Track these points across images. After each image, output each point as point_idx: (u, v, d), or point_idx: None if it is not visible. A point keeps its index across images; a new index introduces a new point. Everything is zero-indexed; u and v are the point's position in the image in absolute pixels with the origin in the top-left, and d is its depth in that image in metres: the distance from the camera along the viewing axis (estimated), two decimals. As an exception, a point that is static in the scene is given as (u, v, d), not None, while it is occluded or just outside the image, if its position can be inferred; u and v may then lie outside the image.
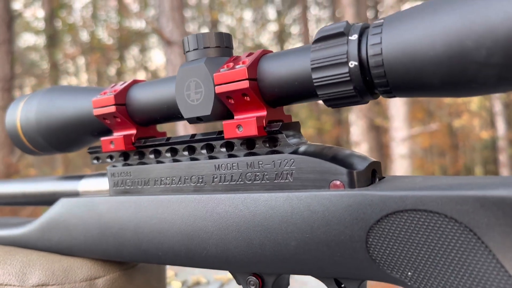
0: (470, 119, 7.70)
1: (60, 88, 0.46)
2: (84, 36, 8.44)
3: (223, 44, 0.36)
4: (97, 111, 0.40)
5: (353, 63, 0.28)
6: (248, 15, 11.93)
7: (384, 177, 0.32)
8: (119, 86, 0.40)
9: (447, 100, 8.80)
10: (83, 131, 0.43)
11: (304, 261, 0.31)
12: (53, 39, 7.32)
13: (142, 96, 0.39)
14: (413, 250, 0.27)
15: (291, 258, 0.31)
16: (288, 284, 0.37)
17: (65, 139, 0.45)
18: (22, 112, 0.46)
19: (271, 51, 0.35)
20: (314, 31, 10.86)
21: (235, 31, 10.72)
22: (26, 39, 10.19)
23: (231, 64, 0.33)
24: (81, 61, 9.03)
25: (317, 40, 0.29)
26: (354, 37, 0.28)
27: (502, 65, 0.23)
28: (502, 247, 0.25)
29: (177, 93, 0.36)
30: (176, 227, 0.36)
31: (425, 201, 0.26)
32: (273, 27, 11.43)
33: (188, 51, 0.36)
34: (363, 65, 0.28)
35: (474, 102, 9.72)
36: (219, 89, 0.33)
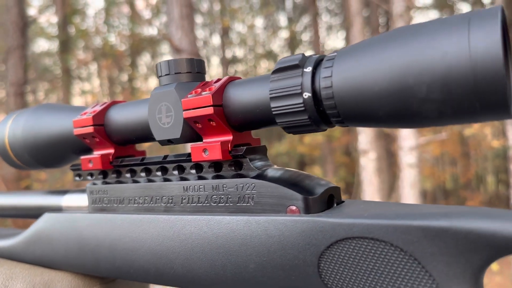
0: (481, 127, 7.61)
1: (45, 106, 0.47)
2: (97, 42, 8.54)
3: (194, 70, 0.37)
4: (77, 131, 0.41)
5: (307, 94, 0.29)
6: (259, 22, 11.98)
7: (343, 201, 0.33)
8: (99, 107, 0.42)
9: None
10: (65, 149, 0.45)
11: (262, 283, 0.32)
12: (65, 45, 7.43)
13: (119, 118, 0.40)
14: (361, 276, 0.28)
15: (250, 280, 0.32)
16: None
17: (50, 156, 0.46)
18: (10, 129, 0.48)
19: (239, 78, 0.36)
20: (325, 38, 10.87)
21: (246, 38, 10.78)
22: (40, 44, 10.35)
23: (199, 90, 0.34)
24: (94, 67, 9.14)
25: (275, 71, 0.31)
26: (309, 69, 0.29)
27: (441, 101, 0.24)
28: (445, 276, 0.26)
29: (149, 116, 0.37)
30: (146, 246, 0.37)
31: (372, 229, 0.27)
32: (284, 34, 11.47)
33: (161, 75, 0.37)
34: (316, 96, 0.29)
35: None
36: (187, 114, 0.34)
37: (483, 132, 7.98)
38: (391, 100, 0.26)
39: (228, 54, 10.92)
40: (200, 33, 11.06)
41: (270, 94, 0.30)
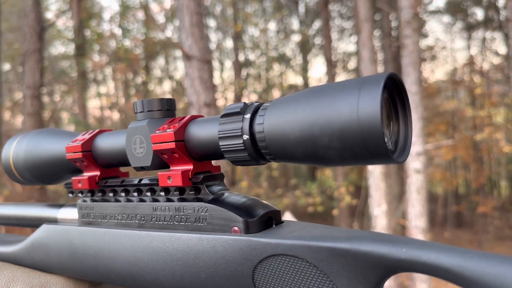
0: (494, 132, 7.56)
1: (44, 132, 0.55)
2: (112, 46, 8.71)
3: (164, 108, 0.44)
4: (69, 156, 0.49)
5: (246, 137, 0.35)
6: (272, 25, 12.05)
7: (282, 222, 0.40)
8: (87, 135, 0.49)
9: (470, 113, 8.68)
10: (60, 170, 0.52)
11: None
12: (81, 49, 7.59)
13: (103, 145, 0.47)
14: (285, 286, 0.35)
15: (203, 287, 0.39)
16: None
17: (47, 175, 0.54)
18: (14, 151, 0.55)
19: (201, 116, 0.42)
20: (336, 42, 10.87)
21: (259, 42, 10.86)
22: (58, 47, 10.56)
23: (165, 127, 0.41)
24: (109, 70, 9.32)
25: (223, 116, 0.37)
26: (248, 116, 0.36)
27: (340, 148, 0.31)
28: None
29: (126, 146, 0.44)
30: (123, 256, 0.44)
31: (292, 248, 0.34)
32: (296, 37, 11.52)
33: (136, 112, 0.44)
34: (253, 138, 0.35)
35: (500, 114, 9.53)
36: (155, 146, 0.41)
37: (495, 137, 7.92)
38: (303, 146, 0.32)
39: (241, 57, 11.01)
40: (213, 37, 11.15)
41: (218, 134, 0.37)
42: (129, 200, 0.46)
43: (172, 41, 4.44)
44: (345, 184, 8.45)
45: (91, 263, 0.47)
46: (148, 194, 0.45)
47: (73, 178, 0.50)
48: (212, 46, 11.61)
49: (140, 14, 8.99)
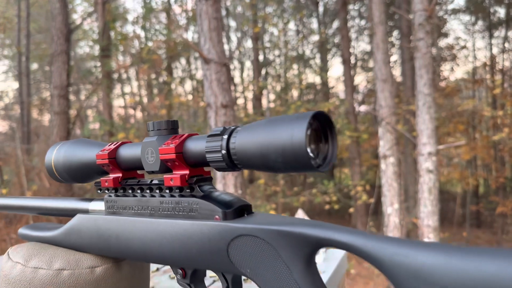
0: (510, 132, 7.50)
1: (80, 141, 0.70)
2: (135, 47, 8.95)
3: (169, 127, 0.59)
4: (98, 161, 0.64)
5: (223, 151, 0.50)
6: (291, 25, 12.15)
7: (253, 213, 0.54)
8: (113, 146, 0.64)
9: (488, 112, 8.61)
10: (91, 172, 0.67)
11: (202, 262, 0.53)
12: (106, 50, 7.85)
13: (124, 154, 0.62)
14: (249, 257, 0.49)
15: (194, 259, 0.54)
16: (204, 275, 0.60)
17: (80, 176, 0.69)
18: (55, 155, 0.71)
19: (196, 134, 0.57)
20: (355, 41, 10.89)
21: (278, 42, 10.98)
22: (84, 48, 10.88)
23: (169, 142, 0.56)
24: (132, 70, 9.58)
25: (209, 136, 0.52)
26: (225, 137, 0.50)
27: (283, 162, 0.45)
28: (290, 259, 0.47)
29: (141, 155, 0.59)
30: (137, 238, 0.59)
31: (253, 230, 0.48)
32: (315, 37, 11.61)
33: (149, 130, 0.59)
34: (229, 153, 0.50)
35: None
36: (162, 157, 0.55)
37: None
38: (260, 159, 0.46)
39: (261, 57, 11.14)
40: (234, 37, 11.29)
41: (205, 149, 0.51)
42: (143, 196, 0.61)
43: (191, 44, 4.60)
44: (362, 183, 8.52)
45: (114, 243, 0.62)
46: (157, 191, 0.59)
47: (101, 178, 0.65)
48: (233, 45, 11.77)
49: (163, 16, 9.23)
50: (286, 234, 0.46)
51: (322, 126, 0.47)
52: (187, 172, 0.56)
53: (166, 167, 0.57)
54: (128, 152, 0.62)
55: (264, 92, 9.70)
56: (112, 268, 0.66)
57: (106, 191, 0.66)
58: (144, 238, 0.59)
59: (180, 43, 8.52)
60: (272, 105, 10.86)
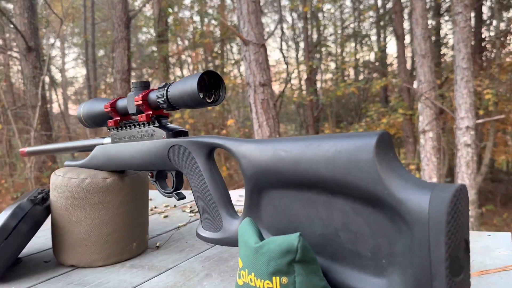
0: None
1: (94, 99, 1.06)
2: (190, 31, 9.42)
3: (142, 86, 0.91)
4: (105, 110, 0.99)
5: (164, 97, 0.82)
6: (347, 1, 12.07)
7: (187, 135, 0.86)
8: (113, 100, 0.99)
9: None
10: (102, 117, 1.02)
11: (157, 164, 0.86)
12: (162, 36, 8.38)
13: (119, 104, 0.96)
14: (178, 157, 0.82)
15: (153, 163, 0.87)
16: (166, 176, 0.93)
17: (97, 120, 1.04)
18: (80, 109, 1.07)
19: (156, 89, 0.89)
20: (407, 20, 10.67)
21: (331, 20, 11.01)
22: (144, 34, 11.54)
23: (140, 94, 0.89)
24: (187, 54, 10.11)
25: (158, 88, 0.84)
26: (165, 88, 0.82)
27: (190, 101, 0.76)
28: (197, 156, 0.79)
29: (127, 103, 0.92)
30: (125, 155, 0.94)
31: (179, 141, 0.80)
32: (371, 14, 11.48)
33: (131, 88, 0.92)
34: (167, 97, 0.81)
35: None
36: (136, 103, 0.88)
37: None
38: (181, 101, 0.78)
39: (314, 36, 11.24)
40: (289, 17, 11.43)
41: (156, 96, 0.84)
42: (129, 129, 0.95)
43: (230, 27, 4.93)
44: (415, 162, 8.49)
45: (114, 160, 0.97)
46: (137, 126, 0.93)
47: (108, 121, 1.00)
48: (286, 24, 11.92)
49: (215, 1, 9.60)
50: (195, 142, 0.79)
51: (214, 79, 0.78)
52: (150, 112, 0.89)
53: (139, 110, 0.91)
54: (121, 103, 0.97)
55: (318, 71, 9.83)
56: (117, 179, 1.01)
57: (112, 130, 1.02)
58: (128, 154, 0.93)
59: (231, 27, 8.85)
60: (324, 85, 10.98)
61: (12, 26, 7.45)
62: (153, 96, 0.85)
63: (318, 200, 0.57)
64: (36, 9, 7.95)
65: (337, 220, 0.56)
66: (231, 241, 0.75)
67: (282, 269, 0.53)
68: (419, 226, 0.44)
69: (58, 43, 13.51)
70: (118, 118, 0.97)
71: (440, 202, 0.43)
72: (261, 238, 0.59)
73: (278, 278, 0.53)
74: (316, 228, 0.59)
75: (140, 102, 0.86)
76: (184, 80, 0.76)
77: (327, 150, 0.54)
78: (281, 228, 0.65)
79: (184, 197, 0.90)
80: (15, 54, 9.21)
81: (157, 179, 0.93)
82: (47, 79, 8.78)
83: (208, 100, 0.77)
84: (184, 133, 0.87)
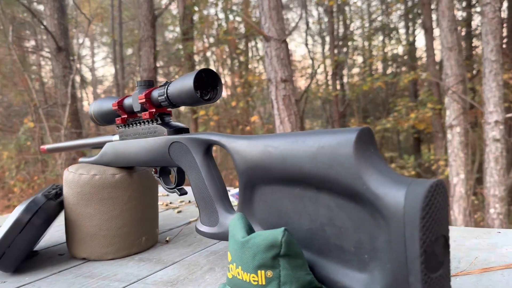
0: None
1: (104, 98, 1.09)
2: (214, 29, 9.48)
3: (146, 84, 0.93)
4: (113, 108, 1.01)
5: (165, 95, 0.84)
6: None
7: (187, 132, 0.88)
8: (120, 99, 1.01)
9: None
10: (111, 115, 1.05)
11: (159, 161, 0.89)
12: (186, 34, 8.46)
13: (125, 102, 0.99)
14: (178, 153, 0.83)
15: (156, 160, 0.89)
16: (169, 172, 0.95)
17: (107, 118, 1.07)
18: (92, 107, 1.11)
19: (157, 87, 0.91)
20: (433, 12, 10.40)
21: (359, 13, 10.86)
22: (170, 32, 11.68)
23: (144, 92, 0.91)
24: (211, 51, 10.17)
25: (159, 87, 0.86)
26: (166, 86, 0.84)
27: (184, 97, 0.78)
28: (195, 152, 0.80)
29: (132, 102, 0.95)
30: (131, 151, 0.96)
31: (178, 139, 0.82)
32: (399, 6, 11.27)
33: (136, 86, 0.95)
34: (167, 95, 0.83)
35: None
36: (140, 101, 0.91)
37: None
38: (179, 98, 0.79)
39: (340, 30, 11.12)
40: (314, 11, 11.34)
41: (158, 95, 0.86)
42: (135, 126, 0.98)
43: (252, 23, 4.93)
44: (444, 158, 8.31)
45: (121, 157, 1.00)
46: (142, 123, 0.96)
47: (117, 119, 1.03)
48: (311, 19, 11.83)
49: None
50: (193, 139, 0.80)
51: (212, 77, 0.79)
52: (153, 110, 0.91)
53: (143, 108, 0.93)
54: (127, 101, 0.99)
55: (345, 65, 9.73)
56: (126, 175, 1.04)
57: (120, 127, 1.05)
58: (134, 151, 0.96)
59: (254, 24, 8.86)
60: (351, 80, 10.86)
61: (43, 27, 7.68)
62: (155, 94, 0.87)
63: (306, 195, 0.58)
64: (65, 10, 8.16)
65: (323, 215, 0.56)
66: (227, 236, 0.76)
67: (267, 263, 0.54)
68: (395, 221, 0.45)
69: (88, 43, 13.86)
70: (126, 116, 0.99)
71: (415, 197, 0.43)
72: (250, 232, 0.60)
73: (263, 271, 0.54)
74: (303, 223, 0.60)
75: (144, 100, 0.88)
76: (182, 78, 0.78)
77: (311, 146, 0.54)
78: (272, 223, 0.66)
79: (186, 193, 0.92)
80: (46, 54, 9.50)
81: (161, 175, 0.95)
82: (77, 78, 9.01)
83: (205, 98, 0.78)
84: (185, 130, 0.88)
